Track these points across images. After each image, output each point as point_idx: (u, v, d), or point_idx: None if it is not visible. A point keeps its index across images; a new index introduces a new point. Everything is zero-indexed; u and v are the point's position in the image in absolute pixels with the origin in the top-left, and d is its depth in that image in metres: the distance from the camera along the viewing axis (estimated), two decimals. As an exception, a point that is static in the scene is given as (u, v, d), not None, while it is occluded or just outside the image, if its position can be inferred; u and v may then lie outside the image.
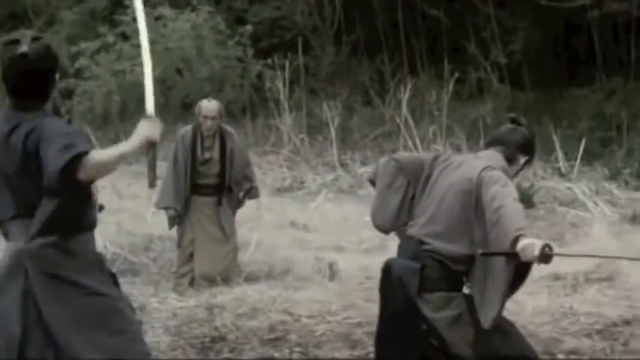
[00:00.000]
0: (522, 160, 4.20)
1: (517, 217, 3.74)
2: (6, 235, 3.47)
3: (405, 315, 3.94)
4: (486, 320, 3.82)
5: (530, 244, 3.61)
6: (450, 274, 3.95)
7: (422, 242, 3.99)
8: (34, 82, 3.36)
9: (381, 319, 4.12)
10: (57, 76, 3.44)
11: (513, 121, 4.28)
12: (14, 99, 3.38)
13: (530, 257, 3.61)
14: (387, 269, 4.03)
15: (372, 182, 4.42)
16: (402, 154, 4.49)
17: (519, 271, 3.76)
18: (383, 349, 4.10)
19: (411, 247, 4.03)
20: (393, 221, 4.22)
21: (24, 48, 3.30)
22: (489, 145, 4.25)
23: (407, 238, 4.10)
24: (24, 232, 3.38)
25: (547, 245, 3.61)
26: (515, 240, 3.64)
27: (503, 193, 3.84)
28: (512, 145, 4.17)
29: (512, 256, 3.67)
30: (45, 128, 3.26)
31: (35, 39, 3.37)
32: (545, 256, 3.60)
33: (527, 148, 4.22)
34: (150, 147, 3.33)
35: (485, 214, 3.83)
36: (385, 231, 4.36)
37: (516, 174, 4.24)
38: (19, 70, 3.32)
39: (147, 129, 3.29)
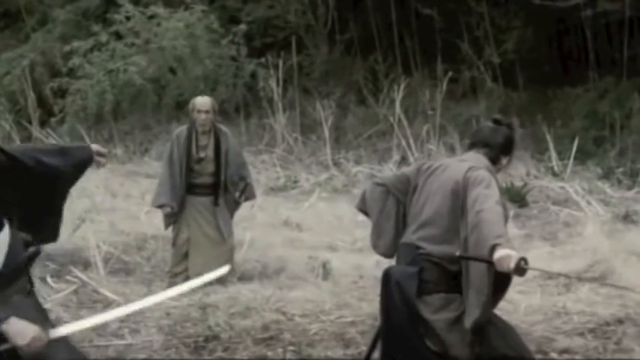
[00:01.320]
0: (504, 160, 4.26)
1: (497, 223, 3.74)
2: None
3: (407, 322, 3.95)
4: (468, 321, 3.85)
5: (506, 256, 3.60)
6: (448, 275, 3.96)
7: (417, 247, 4.02)
8: None
9: (384, 332, 4.11)
10: None
11: (495, 121, 4.30)
12: None
13: (505, 269, 3.62)
14: (387, 277, 4.05)
15: (362, 211, 4.46)
16: (385, 177, 4.49)
17: (501, 279, 3.78)
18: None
19: (408, 253, 4.05)
20: (393, 246, 4.26)
21: None
22: (472, 146, 4.28)
23: (403, 246, 4.13)
24: None
25: (523, 259, 3.61)
26: (493, 248, 3.64)
27: (485, 195, 3.85)
28: (495, 147, 4.21)
29: (488, 263, 3.69)
30: None
31: None
32: (520, 270, 3.62)
33: (508, 148, 4.26)
34: None
35: (467, 216, 3.85)
36: (389, 257, 4.38)
37: (498, 172, 4.26)
38: None
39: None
